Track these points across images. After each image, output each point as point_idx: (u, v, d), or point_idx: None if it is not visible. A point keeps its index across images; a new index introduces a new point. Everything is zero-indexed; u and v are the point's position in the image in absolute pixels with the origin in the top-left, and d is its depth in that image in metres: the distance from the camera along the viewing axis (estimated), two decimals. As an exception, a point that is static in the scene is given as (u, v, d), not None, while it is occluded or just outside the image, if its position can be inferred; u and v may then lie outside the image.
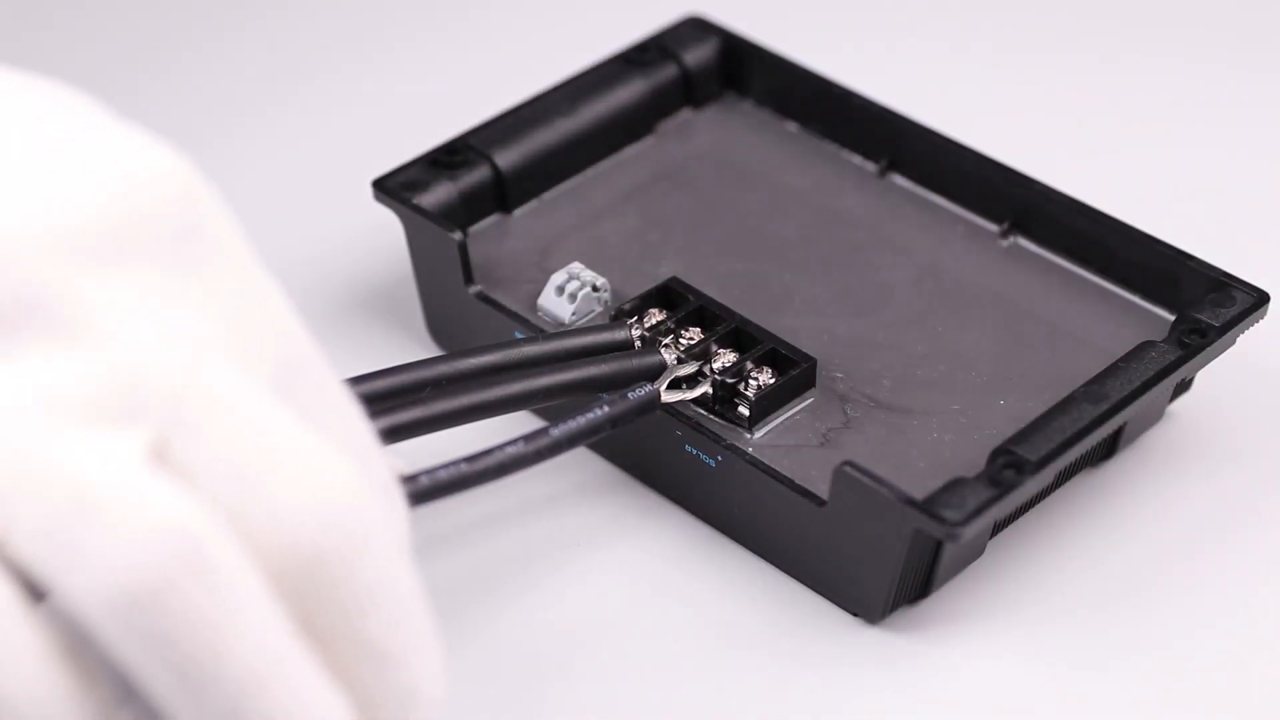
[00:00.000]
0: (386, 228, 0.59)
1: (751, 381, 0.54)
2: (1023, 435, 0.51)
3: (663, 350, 0.54)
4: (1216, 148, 0.67)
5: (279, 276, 0.61)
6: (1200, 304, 0.54)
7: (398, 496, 0.40)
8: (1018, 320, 0.56)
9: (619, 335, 0.54)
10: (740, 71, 0.63)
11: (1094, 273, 0.57)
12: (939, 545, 0.51)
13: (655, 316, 0.55)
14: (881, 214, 0.60)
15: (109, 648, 0.36)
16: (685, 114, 0.63)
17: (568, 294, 0.56)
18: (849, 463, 0.49)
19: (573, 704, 0.50)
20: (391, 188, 0.57)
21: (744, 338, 0.54)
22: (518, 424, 0.56)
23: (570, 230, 0.59)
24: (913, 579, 0.51)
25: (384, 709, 0.38)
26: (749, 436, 0.53)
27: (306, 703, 0.36)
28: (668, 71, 0.62)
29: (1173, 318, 0.56)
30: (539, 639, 0.52)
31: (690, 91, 0.63)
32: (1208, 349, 0.53)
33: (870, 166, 0.61)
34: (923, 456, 0.53)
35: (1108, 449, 0.55)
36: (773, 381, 0.54)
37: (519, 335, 0.55)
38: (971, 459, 0.52)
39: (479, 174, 0.59)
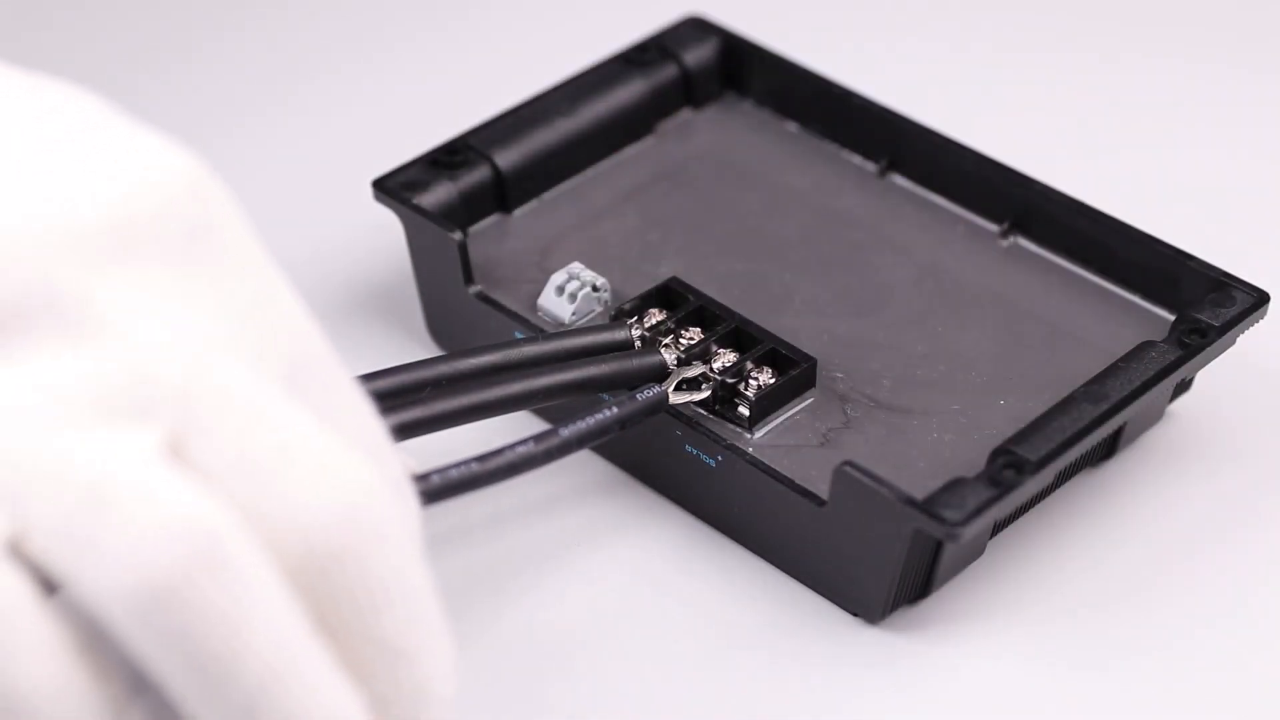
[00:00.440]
0: (386, 228, 0.59)
1: (751, 381, 0.54)
2: (1023, 435, 0.51)
3: (663, 350, 0.54)
4: (1216, 148, 0.67)
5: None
6: (1200, 304, 0.54)
7: (410, 494, 0.40)
8: (1018, 320, 0.56)
9: (619, 335, 0.54)
10: (740, 71, 0.63)
11: (1094, 273, 0.57)
12: (939, 545, 0.51)
13: (655, 316, 0.55)
14: (881, 214, 0.60)
15: (124, 643, 0.36)
16: (685, 114, 0.63)
17: (568, 294, 0.56)
18: (849, 463, 0.49)
19: (573, 704, 0.50)
20: (391, 188, 0.57)
21: (744, 338, 0.54)
22: (518, 424, 0.56)
23: (570, 230, 0.59)
24: (913, 579, 0.51)
25: (397, 706, 0.38)
26: (749, 436, 0.53)
27: (322, 699, 0.36)
28: (668, 71, 0.62)
29: (1173, 318, 0.56)
30: (539, 639, 0.52)
31: (690, 91, 0.63)
32: (1208, 349, 0.53)
33: (870, 166, 0.61)
34: (923, 456, 0.53)
35: (1108, 449, 0.55)
36: (773, 381, 0.54)
37: (519, 335, 0.55)
38: (971, 459, 0.52)
39: (479, 174, 0.59)
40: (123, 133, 0.39)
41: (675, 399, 0.53)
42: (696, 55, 0.63)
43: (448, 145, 0.59)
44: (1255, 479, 0.56)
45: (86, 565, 0.35)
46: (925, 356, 0.56)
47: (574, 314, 0.56)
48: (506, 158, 0.59)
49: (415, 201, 0.57)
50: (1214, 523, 0.55)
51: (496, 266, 0.58)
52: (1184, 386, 0.56)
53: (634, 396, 0.52)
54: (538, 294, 0.57)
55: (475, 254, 0.58)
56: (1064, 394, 0.53)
